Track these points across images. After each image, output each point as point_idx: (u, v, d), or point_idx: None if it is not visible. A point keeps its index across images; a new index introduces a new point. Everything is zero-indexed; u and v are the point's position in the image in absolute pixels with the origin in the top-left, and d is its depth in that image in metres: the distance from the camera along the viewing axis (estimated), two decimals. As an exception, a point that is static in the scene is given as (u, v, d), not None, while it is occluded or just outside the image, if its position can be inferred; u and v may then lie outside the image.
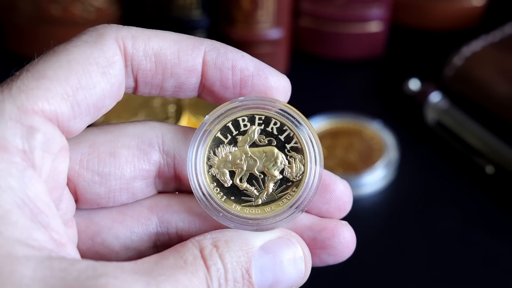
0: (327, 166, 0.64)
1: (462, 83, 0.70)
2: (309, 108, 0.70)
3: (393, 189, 0.65)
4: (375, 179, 0.65)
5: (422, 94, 0.70)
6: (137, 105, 0.66)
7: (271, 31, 0.71)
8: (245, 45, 0.71)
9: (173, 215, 0.39)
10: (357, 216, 0.63)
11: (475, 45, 0.71)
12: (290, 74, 0.75)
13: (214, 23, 0.71)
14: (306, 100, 0.72)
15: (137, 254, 0.39)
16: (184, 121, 0.65)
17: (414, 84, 0.71)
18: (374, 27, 0.75)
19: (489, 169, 0.65)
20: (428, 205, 0.64)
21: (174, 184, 0.39)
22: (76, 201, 0.38)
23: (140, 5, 0.71)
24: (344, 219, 0.39)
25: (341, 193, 0.38)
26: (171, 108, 0.66)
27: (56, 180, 0.34)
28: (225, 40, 0.71)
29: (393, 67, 0.77)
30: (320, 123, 0.69)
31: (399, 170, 0.66)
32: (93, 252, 0.38)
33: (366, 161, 0.66)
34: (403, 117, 0.72)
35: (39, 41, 0.73)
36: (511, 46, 0.71)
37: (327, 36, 0.76)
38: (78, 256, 0.34)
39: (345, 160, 0.67)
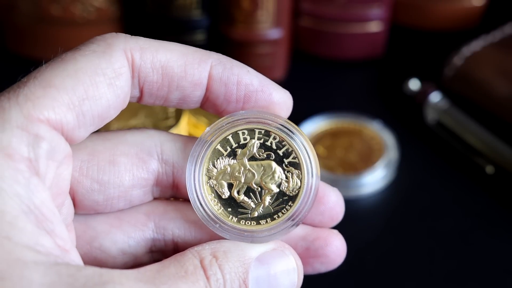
0: (327, 166, 0.65)
1: (462, 83, 0.70)
2: (309, 108, 0.70)
3: (393, 189, 0.65)
4: (375, 179, 0.65)
5: (422, 94, 0.70)
6: (137, 105, 0.66)
7: (271, 31, 0.71)
8: (245, 45, 0.71)
9: (169, 222, 0.39)
10: (357, 216, 0.63)
11: (475, 45, 0.71)
12: (290, 74, 0.76)
13: (214, 23, 0.71)
14: (306, 100, 0.72)
15: (133, 259, 0.39)
16: (184, 121, 0.65)
17: (414, 84, 0.71)
18: (374, 27, 0.75)
19: (489, 169, 0.65)
20: (428, 205, 0.64)
21: (171, 192, 0.40)
22: (74, 206, 0.38)
23: (140, 5, 0.71)
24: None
25: (334, 204, 0.39)
26: (171, 108, 0.66)
27: (60, 186, 0.34)
28: (225, 40, 0.72)
29: (393, 67, 0.77)
30: (320, 123, 0.69)
31: (399, 170, 0.66)
32: (90, 258, 0.39)
33: (366, 161, 0.66)
34: (403, 117, 0.72)
35: (39, 41, 0.73)
36: (511, 46, 0.71)
37: (327, 36, 0.76)
38: (81, 262, 0.34)
39: (345, 160, 0.67)
